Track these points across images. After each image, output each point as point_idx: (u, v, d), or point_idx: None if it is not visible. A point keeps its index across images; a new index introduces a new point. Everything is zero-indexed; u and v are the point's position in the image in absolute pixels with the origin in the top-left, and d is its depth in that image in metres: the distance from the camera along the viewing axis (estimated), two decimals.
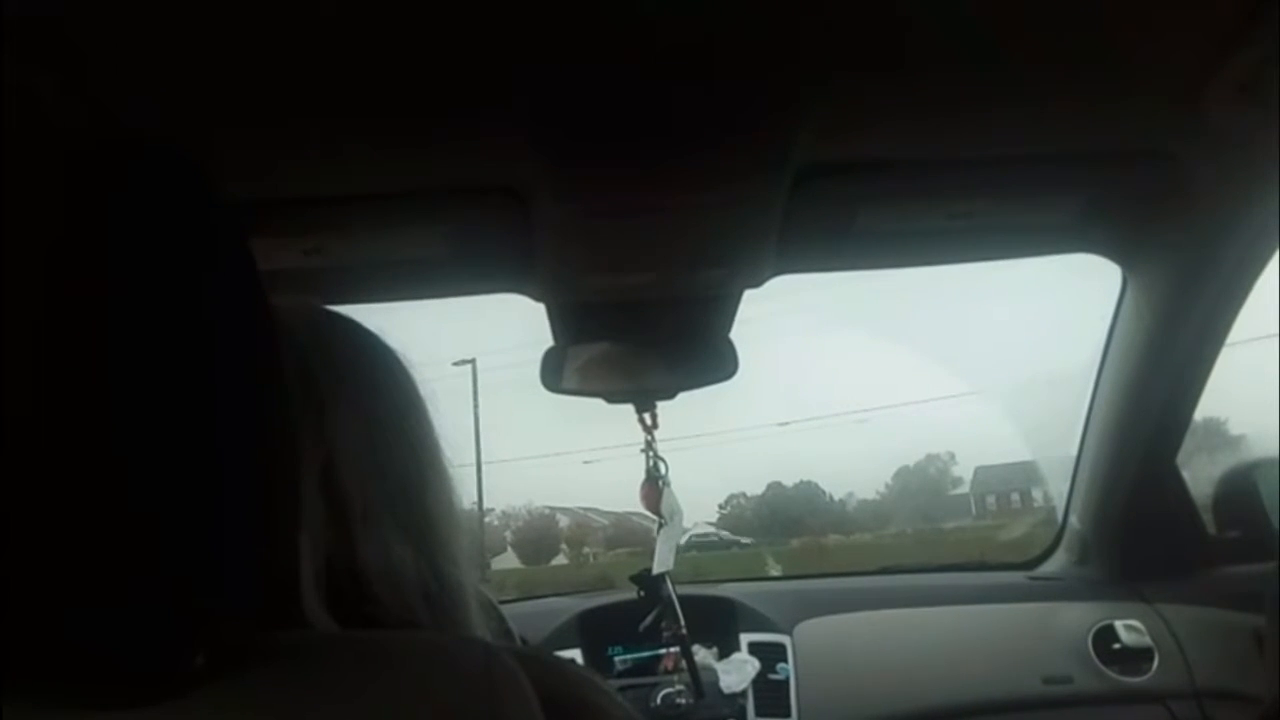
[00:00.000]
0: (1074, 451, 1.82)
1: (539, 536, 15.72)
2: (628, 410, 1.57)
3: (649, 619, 1.70)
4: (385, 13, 0.82)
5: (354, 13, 0.82)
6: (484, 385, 13.32)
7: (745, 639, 1.83)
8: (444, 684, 0.52)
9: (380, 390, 0.74)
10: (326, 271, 1.27)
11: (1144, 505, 1.75)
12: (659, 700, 1.72)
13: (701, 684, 1.71)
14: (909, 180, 1.18)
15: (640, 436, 1.59)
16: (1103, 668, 1.73)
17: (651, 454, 1.60)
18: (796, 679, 1.75)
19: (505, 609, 1.09)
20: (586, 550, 15.33)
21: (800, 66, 0.93)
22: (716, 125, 0.99)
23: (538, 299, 1.37)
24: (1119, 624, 1.76)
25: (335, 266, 1.27)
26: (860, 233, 1.29)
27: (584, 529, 15.72)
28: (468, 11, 0.82)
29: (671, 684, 1.73)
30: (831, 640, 1.82)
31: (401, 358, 0.78)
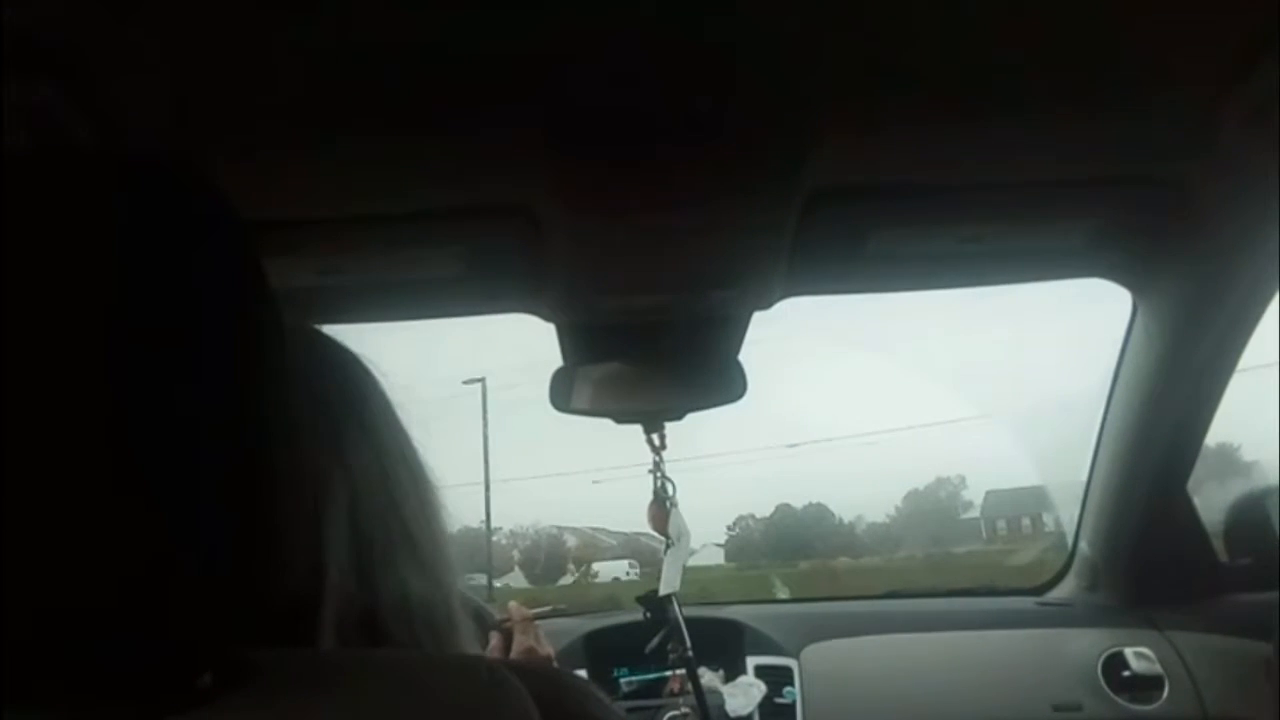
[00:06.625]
0: (1084, 477, 1.82)
1: (546, 556, 15.64)
2: (636, 431, 1.57)
3: (655, 640, 1.69)
4: (398, 33, 0.83)
5: (366, 33, 0.83)
6: (493, 404, 13.29)
7: (752, 662, 1.83)
8: (446, 699, 0.52)
9: (385, 419, 0.73)
10: (340, 291, 1.28)
11: (1154, 531, 1.74)
12: None
13: (707, 707, 1.70)
14: (920, 204, 1.19)
15: (648, 457, 1.59)
16: (1112, 695, 1.72)
17: (659, 475, 1.60)
18: (803, 703, 1.74)
19: None
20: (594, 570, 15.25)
21: (813, 90, 0.94)
22: (730, 147, 1.00)
23: (548, 319, 1.38)
24: (1129, 651, 1.74)
25: (349, 286, 1.27)
26: (871, 256, 1.29)
27: (592, 549, 15.64)
28: (481, 31, 0.83)
29: (677, 706, 1.73)
30: (839, 664, 1.81)
31: (381, 378, 0.76)
